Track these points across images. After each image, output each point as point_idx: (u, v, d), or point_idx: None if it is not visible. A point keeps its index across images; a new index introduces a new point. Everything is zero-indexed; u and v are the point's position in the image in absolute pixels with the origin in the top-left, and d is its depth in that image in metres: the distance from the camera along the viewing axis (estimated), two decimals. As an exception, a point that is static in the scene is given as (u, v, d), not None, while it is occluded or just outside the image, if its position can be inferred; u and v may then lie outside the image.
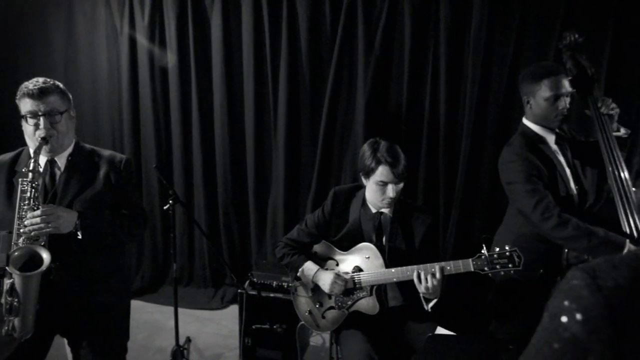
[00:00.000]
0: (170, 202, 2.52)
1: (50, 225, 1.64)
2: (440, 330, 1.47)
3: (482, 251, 1.82)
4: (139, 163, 3.85)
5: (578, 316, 0.48)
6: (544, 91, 2.03)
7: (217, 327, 3.46)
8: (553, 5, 2.85)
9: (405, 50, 3.12)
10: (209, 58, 3.57)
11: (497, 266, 1.80)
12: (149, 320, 3.54)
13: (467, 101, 3.06)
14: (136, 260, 4.01)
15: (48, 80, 1.77)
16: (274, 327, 2.77)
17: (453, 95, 3.11)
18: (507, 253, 1.79)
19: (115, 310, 1.96)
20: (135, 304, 3.73)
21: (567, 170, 2.06)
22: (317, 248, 2.26)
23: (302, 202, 3.59)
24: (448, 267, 1.87)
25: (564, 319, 0.49)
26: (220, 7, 3.44)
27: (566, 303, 0.50)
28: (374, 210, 2.14)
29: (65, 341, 1.97)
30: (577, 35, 2.10)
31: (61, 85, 1.81)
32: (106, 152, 1.95)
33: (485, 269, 1.82)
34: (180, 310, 3.35)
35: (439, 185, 3.23)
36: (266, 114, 3.56)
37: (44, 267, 1.59)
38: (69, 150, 1.86)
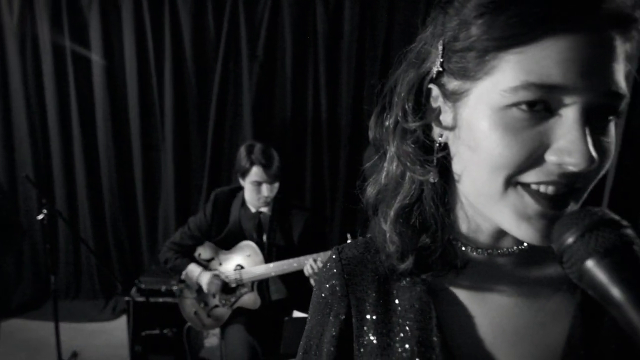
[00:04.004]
0: (44, 211, 2.41)
1: None
2: (296, 314, 1.63)
3: (348, 242, 2.01)
4: (13, 172, 3.58)
5: (325, 282, 0.66)
6: None
7: (108, 338, 3.35)
8: (413, 18, 3.17)
9: (287, 56, 3.28)
10: (89, 60, 3.43)
11: (359, 254, 2.01)
12: (32, 338, 3.31)
13: (344, 106, 3.29)
14: (15, 275, 3.72)
15: None
16: (164, 331, 2.76)
17: (332, 99, 3.32)
18: (368, 242, 2.01)
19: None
20: (15, 323, 3.47)
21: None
22: (201, 249, 2.32)
23: (193, 207, 3.59)
24: (319, 258, 2.04)
25: (321, 282, 0.67)
26: (99, 8, 3.33)
27: (324, 270, 0.67)
28: (253, 210, 2.26)
29: None
30: None
31: None
32: None
33: (350, 257, 2.01)
34: (67, 325, 3.21)
35: (324, 184, 3.44)
36: (152, 119, 3.51)
37: None
38: None
